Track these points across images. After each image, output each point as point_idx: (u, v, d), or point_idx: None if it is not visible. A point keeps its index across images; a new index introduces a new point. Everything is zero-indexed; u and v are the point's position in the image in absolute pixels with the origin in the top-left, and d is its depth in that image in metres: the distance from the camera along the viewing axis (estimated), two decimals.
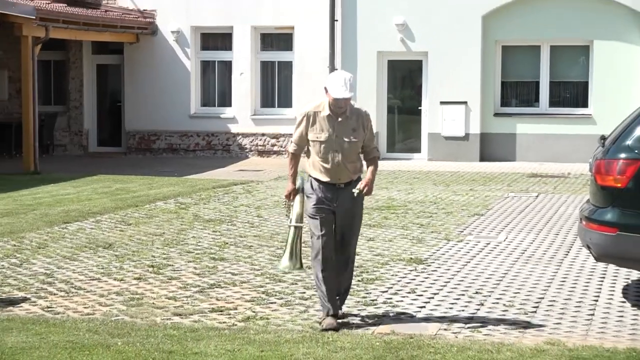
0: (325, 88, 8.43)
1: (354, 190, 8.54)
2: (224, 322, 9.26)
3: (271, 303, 10.07)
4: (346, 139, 8.52)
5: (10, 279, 11.14)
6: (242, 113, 26.96)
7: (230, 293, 10.53)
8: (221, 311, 9.72)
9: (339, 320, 8.62)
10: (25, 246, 13.27)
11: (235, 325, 9.17)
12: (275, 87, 27.19)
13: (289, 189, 8.85)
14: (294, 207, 8.90)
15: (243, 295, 10.43)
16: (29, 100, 22.80)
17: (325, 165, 8.54)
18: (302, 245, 9.33)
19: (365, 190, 8.56)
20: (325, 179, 8.57)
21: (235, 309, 9.82)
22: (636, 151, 9.94)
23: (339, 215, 8.69)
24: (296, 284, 11.00)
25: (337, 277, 8.80)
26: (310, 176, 8.72)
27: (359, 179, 8.74)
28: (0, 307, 9.76)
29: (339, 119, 8.48)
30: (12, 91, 27.14)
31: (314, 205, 8.60)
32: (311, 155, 8.68)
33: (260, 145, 26.82)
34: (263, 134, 26.80)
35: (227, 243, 13.60)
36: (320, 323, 8.60)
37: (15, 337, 8.55)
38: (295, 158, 8.80)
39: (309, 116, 8.58)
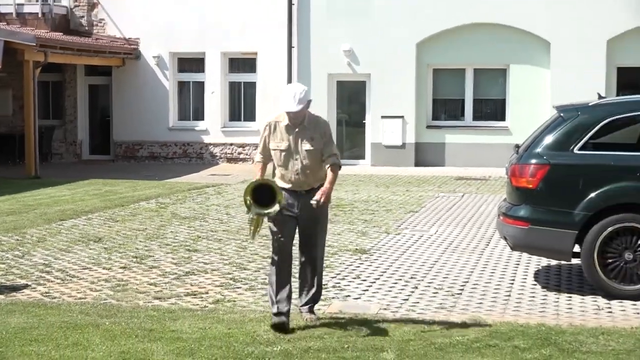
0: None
1: (312, 201, 7.82)
2: (197, 305, 9.31)
3: (237, 288, 10.10)
4: (305, 148, 7.92)
5: (13, 269, 11.11)
6: (213, 126, 26.93)
7: (202, 279, 10.56)
8: (195, 295, 9.76)
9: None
10: (27, 240, 13.21)
11: (207, 307, 9.21)
12: (242, 103, 27.15)
13: None
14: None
15: (213, 281, 10.47)
16: (30, 115, 22.72)
17: (287, 173, 7.99)
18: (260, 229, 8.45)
19: (322, 200, 7.81)
20: (287, 186, 8.00)
21: (207, 293, 9.86)
22: (545, 157, 10.02)
23: (302, 220, 8.07)
24: (259, 271, 11.02)
25: (304, 277, 8.32)
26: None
27: (320, 187, 7.97)
28: (4, 293, 9.74)
29: (297, 129, 7.92)
30: (15, 107, 26.94)
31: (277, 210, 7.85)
32: (276, 165, 8.11)
33: (228, 153, 26.78)
34: (231, 144, 26.77)
35: (200, 237, 13.59)
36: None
37: (18, 318, 8.54)
38: (258, 166, 8.18)
39: (270, 126, 8.06)
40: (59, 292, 9.83)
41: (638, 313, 9.08)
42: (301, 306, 8.34)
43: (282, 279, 8.08)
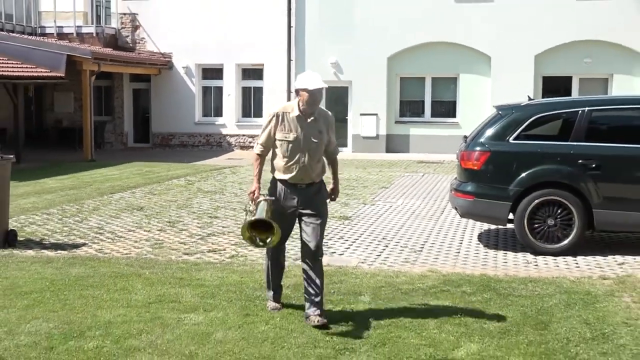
0: (298, 89, 6.30)
1: (329, 199, 6.68)
2: (216, 259, 9.34)
3: (248, 246, 10.06)
4: (314, 140, 6.32)
5: (74, 231, 11.11)
6: (229, 121, 26.90)
7: (221, 240, 10.56)
8: (215, 251, 9.77)
9: (321, 321, 6.29)
10: (85, 209, 13.20)
11: (224, 260, 9.23)
12: (252, 103, 27.10)
13: (254, 187, 6.54)
14: (260, 208, 6.36)
15: (230, 241, 10.47)
16: (87, 112, 22.72)
17: (291, 166, 6.31)
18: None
19: (336, 197, 6.77)
20: (288, 177, 6.36)
21: (224, 250, 9.87)
22: (486, 145, 10.04)
23: (306, 214, 6.42)
24: None
25: (310, 278, 6.46)
26: (274, 177, 6.54)
27: (321, 182, 6.56)
28: (67, 250, 9.77)
29: (308, 120, 6.31)
30: (75, 106, 26.92)
31: (279, 203, 6.43)
32: (277, 155, 6.42)
33: (241, 142, 26.74)
34: (243, 135, 26.73)
35: (219, 207, 13.58)
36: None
37: (77, 269, 8.57)
38: (260, 158, 6.52)
39: (278, 116, 6.34)
40: (109, 249, 9.85)
41: (557, 266, 9.12)
42: (310, 309, 6.46)
43: (275, 275, 6.87)
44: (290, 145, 6.33)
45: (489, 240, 10.68)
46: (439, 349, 5.92)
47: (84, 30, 26.55)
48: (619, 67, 23.92)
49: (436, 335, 6.25)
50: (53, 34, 26.27)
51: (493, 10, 24.46)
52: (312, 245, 6.44)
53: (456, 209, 10.57)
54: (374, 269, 8.70)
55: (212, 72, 27.12)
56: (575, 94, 23.59)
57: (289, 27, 25.85)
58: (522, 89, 22.45)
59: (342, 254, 9.65)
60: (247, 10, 26.19)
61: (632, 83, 23.66)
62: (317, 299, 6.44)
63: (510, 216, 9.97)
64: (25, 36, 24.53)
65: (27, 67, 20.93)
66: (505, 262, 9.30)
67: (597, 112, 10.13)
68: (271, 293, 6.91)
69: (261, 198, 6.45)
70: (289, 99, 25.96)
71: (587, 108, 10.11)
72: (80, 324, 6.49)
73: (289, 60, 25.94)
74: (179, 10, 26.71)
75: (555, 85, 24.21)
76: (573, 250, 9.70)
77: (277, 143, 6.39)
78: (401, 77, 25.82)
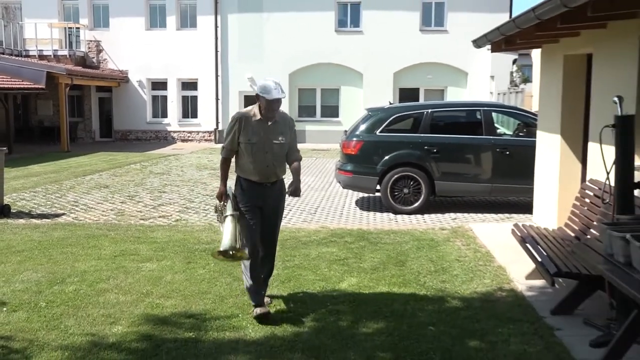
0: (258, 95, 5.03)
1: (287, 192, 5.25)
2: (165, 223, 9.15)
3: (189, 213, 9.95)
4: (275, 142, 5.10)
5: (55, 204, 10.70)
6: (173, 121, 26.25)
7: (168, 208, 10.37)
8: (164, 217, 9.58)
9: (265, 306, 5.09)
10: (63, 187, 12.69)
11: (171, 224, 9.08)
12: (189, 108, 26.50)
13: (220, 191, 5.15)
14: (228, 206, 5.11)
15: (175, 209, 10.29)
16: (63, 115, 21.75)
17: (257, 166, 5.07)
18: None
19: (299, 193, 5.27)
20: (254, 178, 5.09)
21: (171, 216, 9.70)
22: (360, 137, 10.18)
23: (266, 212, 5.18)
24: (201, 203, 10.86)
25: (263, 267, 5.24)
26: (240, 177, 5.19)
27: (282, 179, 5.33)
28: (50, 218, 9.42)
29: (269, 123, 5.09)
30: (54, 110, 25.68)
31: (246, 203, 5.08)
32: (242, 157, 5.12)
33: (182, 136, 26.18)
34: (183, 131, 26.17)
35: (166, 184, 13.30)
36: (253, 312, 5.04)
37: (59, 232, 8.29)
38: (226, 162, 5.19)
39: (241, 120, 5.08)
40: (83, 217, 9.52)
41: (411, 221, 9.36)
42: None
43: (256, 270, 5.16)
44: (255, 147, 5.06)
45: (363, 205, 10.87)
46: (329, 282, 6.02)
47: (60, 52, 25.46)
48: (451, 81, 24.57)
49: (327, 273, 6.35)
50: (35, 55, 25.13)
51: (363, 39, 24.64)
52: (268, 239, 5.24)
53: (339, 182, 10.70)
54: (281, 227, 8.74)
55: (159, 85, 26.41)
56: (421, 100, 24.12)
57: (216, 51, 25.41)
58: (385, 97, 22.92)
59: None
60: (184, 39, 25.62)
61: (460, 92, 24.41)
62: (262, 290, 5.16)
63: (378, 187, 10.18)
64: (14, 57, 23.50)
65: (15, 81, 20.18)
66: (375, 220, 9.49)
67: (437, 113, 10.43)
68: (257, 300, 5.07)
69: (228, 212, 5.03)
70: (217, 105, 25.64)
71: (430, 110, 10.39)
72: (62, 273, 6.32)
73: (217, 75, 25.53)
74: (133, 38, 25.89)
75: (407, 94, 24.66)
76: (421, 210, 9.98)
77: (242, 146, 5.10)
78: (299, 88, 25.76)
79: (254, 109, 5.14)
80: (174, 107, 26.28)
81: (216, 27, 25.35)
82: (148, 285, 5.89)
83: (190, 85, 26.22)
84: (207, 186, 12.97)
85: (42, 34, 25.40)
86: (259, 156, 5.07)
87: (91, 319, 4.99)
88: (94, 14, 26.49)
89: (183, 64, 25.73)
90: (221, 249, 4.87)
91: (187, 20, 25.93)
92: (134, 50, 25.94)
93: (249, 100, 25.58)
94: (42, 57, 25.16)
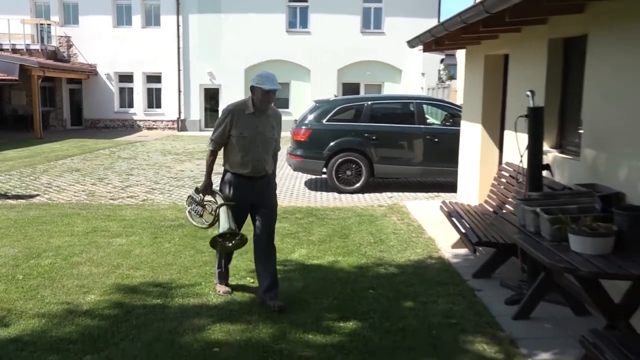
0: (253, 87, 4.43)
1: None
2: (133, 202, 8.94)
3: (155, 193, 9.75)
4: (268, 135, 4.48)
5: (30, 186, 10.31)
6: (139, 110, 25.55)
7: (136, 189, 10.13)
8: (132, 197, 9.35)
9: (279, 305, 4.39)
10: (37, 171, 12.24)
11: (139, 203, 8.88)
12: (153, 99, 25.82)
13: (206, 183, 4.58)
14: (217, 198, 4.58)
15: (142, 190, 10.06)
16: (36, 104, 20.97)
17: (248, 160, 4.43)
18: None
19: None
20: (245, 172, 4.46)
21: (138, 196, 9.48)
22: (309, 125, 10.17)
23: (259, 206, 4.52)
24: (166, 185, 10.66)
25: (263, 264, 4.54)
26: (228, 171, 4.55)
27: (273, 172, 4.66)
28: (26, 199, 9.08)
29: (261, 117, 4.45)
30: (27, 100, 24.62)
31: (234, 200, 4.48)
32: (232, 151, 4.49)
33: (147, 125, 25.52)
34: (148, 120, 25.51)
35: (133, 167, 12.98)
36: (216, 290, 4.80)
37: (34, 211, 7.99)
38: (213, 155, 4.55)
39: (233, 114, 4.45)
40: (56, 198, 9.19)
41: (353, 200, 9.42)
42: (265, 293, 4.50)
43: (227, 260, 4.90)
44: (246, 140, 4.42)
45: (311, 185, 10.88)
46: (282, 253, 6.01)
47: (32, 47, 24.36)
48: (387, 77, 24.72)
49: (279, 245, 6.32)
50: (9, 49, 23.97)
51: (310, 39, 24.49)
52: (265, 234, 4.53)
53: (290, 166, 10.68)
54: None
55: (126, 77, 25.61)
56: (362, 93, 24.22)
57: (178, 48, 24.80)
58: (330, 90, 22.93)
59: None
60: (149, 36, 24.89)
61: (395, 87, 24.61)
62: (271, 284, 4.52)
63: (324, 170, 10.21)
64: None
65: None
66: (322, 199, 9.52)
67: (375, 105, 10.49)
68: (222, 278, 4.87)
69: (220, 203, 4.51)
70: (179, 97, 25.11)
71: (369, 102, 10.45)
72: (37, 248, 6.11)
73: (179, 70, 24.94)
74: (102, 34, 24.98)
75: (350, 88, 24.70)
76: (362, 190, 10.07)
77: (233, 139, 4.44)
78: (251, 86, 25.43)
79: (246, 102, 4.51)
80: (139, 98, 25.59)
81: (178, 26, 24.75)
82: (118, 258, 5.76)
83: (154, 78, 25.56)
84: (171, 169, 12.74)
85: (15, 29, 24.33)
86: (251, 150, 4.43)
87: (66, 289, 4.85)
88: (64, 12, 25.47)
89: (148, 59, 25.03)
90: (220, 231, 4.38)
91: (152, 19, 25.20)
92: (102, 46, 25.09)
93: (208, 92, 25.21)
94: (15, 50, 24.06)
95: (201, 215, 4.77)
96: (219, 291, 4.80)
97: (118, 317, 4.27)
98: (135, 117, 25.68)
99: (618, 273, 3.27)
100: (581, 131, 4.93)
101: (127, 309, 4.43)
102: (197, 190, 4.76)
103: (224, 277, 4.92)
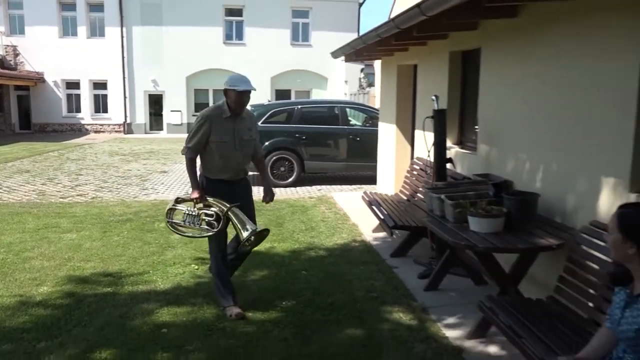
0: (226, 90, 3.84)
1: (265, 201, 4.18)
2: (83, 200, 8.53)
3: (104, 191, 9.35)
4: (245, 138, 3.93)
5: None
6: (86, 115, 24.35)
7: (85, 188, 9.68)
8: (81, 195, 8.93)
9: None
10: None
11: (88, 201, 8.48)
12: (100, 104, 24.71)
13: (197, 194, 3.88)
14: (216, 204, 3.88)
15: (91, 189, 9.62)
16: None
17: (227, 164, 3.89)
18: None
19: (269, 199, 4.21)
20: (226, 177, 3.91)
21: (87, 194, 9.05)
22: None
23: (241, 207, 3.89)
24: (114, 184, 10.24)
25: (236, 260, 4.23)
26: (206, 177, 3.96)
27: (247, 175, 4.10)
28: None
29: (237, 120, 3.89)
30: None
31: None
32: (211, 157, 3.90)
33: (94, 129, 24.38)
34: (95, 124, 24.36)
35: (82, 168, 12.37)
36: (226, 313, 3.89)
37: None
38: (192, 162, 3.86)
39: (211, 119, 3.84)
40: (7, 198, 8.62)
41: (287, 192, 9.39)
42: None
43: (226, 274, 4.06)
44: (225, 145, 3.86)
45: (253, 181, 10.77)
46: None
47: None
48: (315, 84, 24.83)
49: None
50: None
51: (246, 50, 24.18)
52: (244, 235, 3.78)
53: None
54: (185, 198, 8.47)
55: (73, 84, 24.31)
56: (293, 99, 24.20)
57: (123, 57, 23.80)
58: (264, 96, 22.75)
59: (164, 193, 9.27)
60: (94, 46, 23.72)
61: (322, 93, 24.76)
62: (239, 262, 4.25)
63: None
64: None
65: None
66: (259, 192, 9.30)
67: (305, 109, 10.52)
68: (230, 298, 3.96)
69: (228, 206, 3.85)
70: (125, 102, 24.14)
71: (299, 106, 10.46)
72: None
73: (124, 77, 23.94)
74: (48, 44, 23.58)
75: (282, 94, 24.63)
76: (294, 184, 10.07)
77: (212, 145, 3.86)
78: (195, 88, 24.80)
79: (221, 107, 3.92)
80: (86, 103, 24.40)
81: (122, 36, 23.76)
82: (69, 252, 5.50)
83: (101, 85, 24.43)
84: (118, 169, 12.25)
85: None
86: (231, 154, 3.89)
87: (18, 282, 4.58)
88: (9, 23, 23.84)
89: (94, 67, 23.90)
90: (248, 231, 3.75)
91: (97, 30, 24.04)
92: (48, 55, 23.70)
93: (152, 98, 24.40)
94: None
95: (199, 225, 3.95)
96: (232, 315, 3.84)
97: (70, 306, 4.09)
98: (82, 122, 24.48)
99: (507, 247, 3.47)
100: (477, 130, 5.17)
101: (79, 298, 4.24)
102: (178, 201, 4.09)
103: (228, 295, 3.94)
